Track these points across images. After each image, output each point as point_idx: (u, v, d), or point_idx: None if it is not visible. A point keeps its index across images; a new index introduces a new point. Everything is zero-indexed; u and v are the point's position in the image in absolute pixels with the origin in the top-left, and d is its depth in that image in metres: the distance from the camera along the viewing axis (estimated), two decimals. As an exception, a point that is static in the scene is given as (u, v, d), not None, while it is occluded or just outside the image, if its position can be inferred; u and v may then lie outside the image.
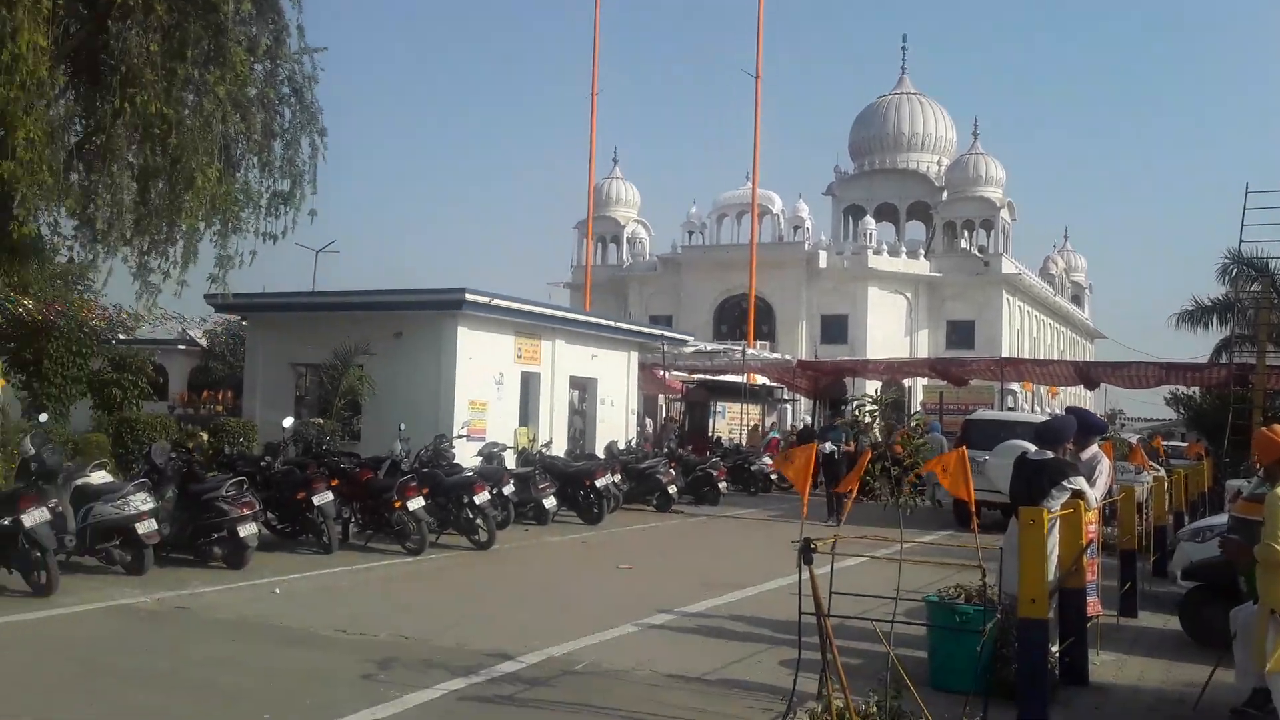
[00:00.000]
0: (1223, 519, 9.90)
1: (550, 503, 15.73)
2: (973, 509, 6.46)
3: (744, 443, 28.50)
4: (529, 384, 21.28)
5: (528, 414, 21.11)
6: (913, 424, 27.07)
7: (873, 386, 37.24)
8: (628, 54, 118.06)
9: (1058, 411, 18.86)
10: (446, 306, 19.07)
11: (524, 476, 15.78)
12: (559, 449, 19.27)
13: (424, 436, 15.50)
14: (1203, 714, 6.70)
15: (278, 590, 10.10)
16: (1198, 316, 35.11)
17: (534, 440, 18.83)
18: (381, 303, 20.24)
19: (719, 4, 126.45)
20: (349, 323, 19.96)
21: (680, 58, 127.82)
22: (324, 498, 12.18)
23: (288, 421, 14.77)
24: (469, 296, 18.78)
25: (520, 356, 20.95)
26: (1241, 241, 28.55)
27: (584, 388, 23.49)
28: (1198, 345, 42.65)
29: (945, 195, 62.09)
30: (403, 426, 15.09)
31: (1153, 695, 7.34)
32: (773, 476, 23.23)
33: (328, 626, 8.49)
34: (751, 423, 31.64)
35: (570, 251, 64.03)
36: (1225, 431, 26.23)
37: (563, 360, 21.96)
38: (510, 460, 16.70)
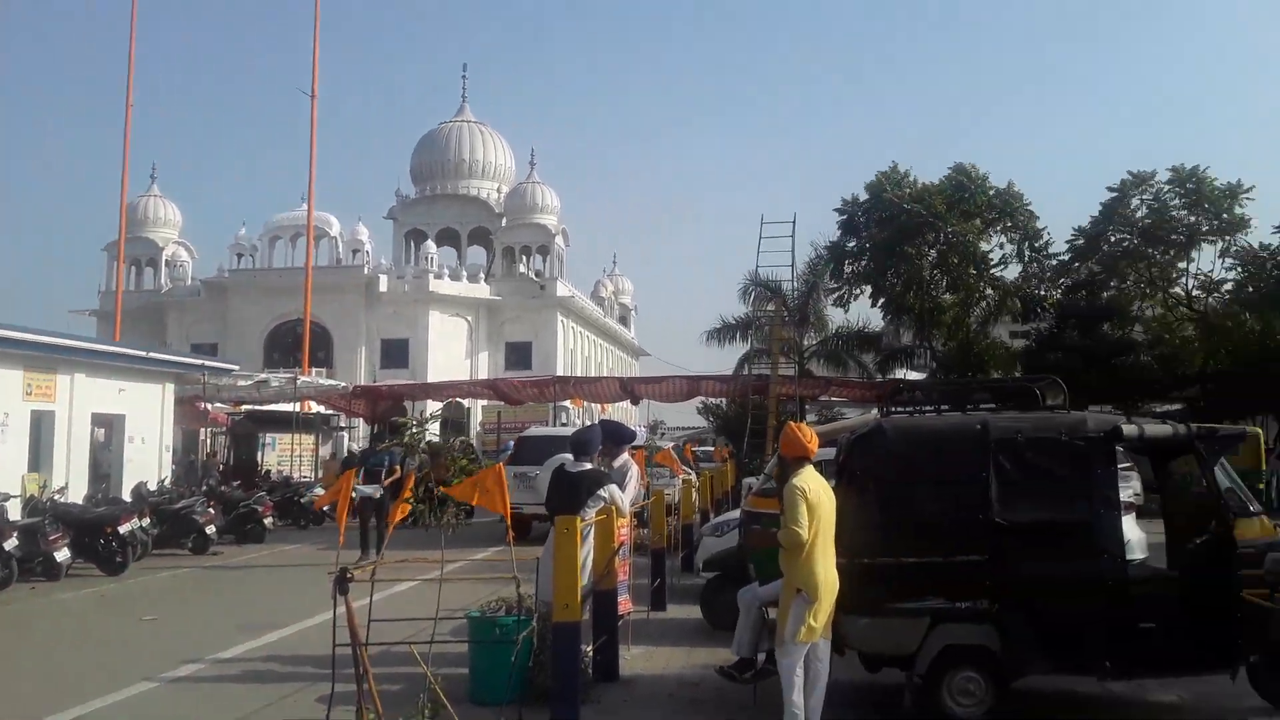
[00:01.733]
0: (737, 514, 10.92)
1: (63, 555, 14.03)
2: (509, 522, 6.60)
3: (319, 475, 27.26)
4: (41, 423, 18.78)
5: (39, 457, 18.61)
6: (461, 445, 27.39)
7: (433, 409, 37.25)
8: (169, 65, 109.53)
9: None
10: (-74, 338, 16.32)
11: (31, 528, 13.94)
12: (77, 494, 17.18)
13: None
14: (726, 692, 7.26)
15: None
16: (725, 333, 38.96)
17: (45, 486, 16.64)
18: None
19: (275, 21, 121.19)
20: None
21: (231, 73, 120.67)
22: None
23: None
24: (-45, 325, 16.20)
25: (30, 393, 18.43)
26: (758, 266, 32.27)
27: (110, 425, 21.19)
28: (725, 359, 47.49)
29: (504, 221, 63.90)
30: None
31: (674, 681, 7.88)
32: (325, 510, 22.37)
33: None
34: (305, 452, 30.32)
35: (99, 276, 57.93)
36: (745, 435, 29.34)
37: (83, 396, 19.63)
38: (15, 511, 14.65)
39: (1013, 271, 35.93)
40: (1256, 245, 33.48)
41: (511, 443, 25.61)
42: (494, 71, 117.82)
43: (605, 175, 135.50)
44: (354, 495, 14.93)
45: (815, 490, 6.19)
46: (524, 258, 64.26)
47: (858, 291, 35.93)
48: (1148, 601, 6.60)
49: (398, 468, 16.13)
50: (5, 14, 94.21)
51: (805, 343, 35.93)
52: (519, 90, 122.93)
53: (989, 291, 35.02)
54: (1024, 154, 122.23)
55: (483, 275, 62.29)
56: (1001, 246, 35.65)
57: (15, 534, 13.48)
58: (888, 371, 35.77)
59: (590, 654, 7.50)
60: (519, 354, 60.10)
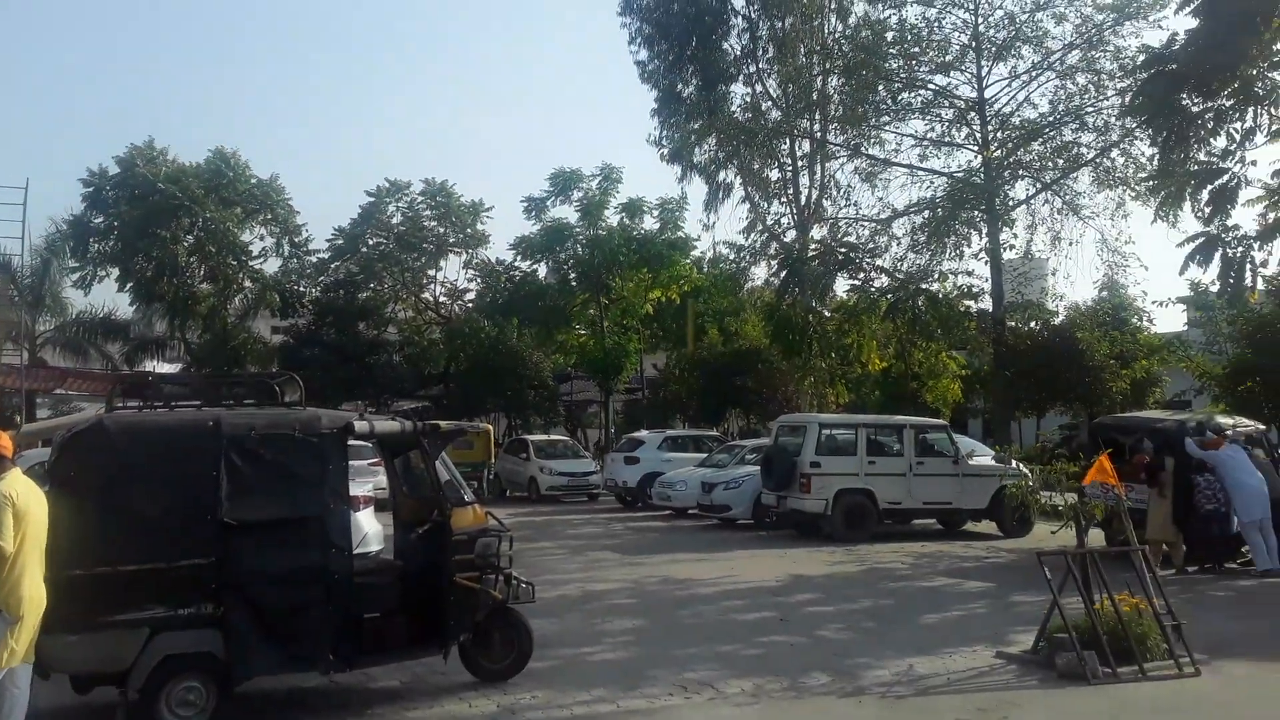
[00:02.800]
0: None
1: None
2: None
3: None
4: None
5: None
6: None
7: None
8: None
9: None
10: None
11: None
12: None
13: None
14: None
15: None
16: None
17: None
18: None
19: None
20: None
21: None
22: None
23: None
24: None
25: None
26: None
27: None
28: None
29: None
30: None
31: None
32: None
33: None
34: None
35: None
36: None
37: None
38: None
39: (273, 265, 36.05)
40: (493, 259, 37.99)
41: None
42: None
43: None
44: None
45: (24, 495, 5.53)
46: None
47: (103, 273, 33.09)
48: (372, 591, 7.05)
49: None
50: None
51: (39, 328, 32.12)
52: None
53: (249, 284, 34.69)
54: (286, 147, 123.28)
55: None
56: (262, 239, 35.58)
57: None
58: (136, 363, 33.53)
59: None
60: None
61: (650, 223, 34.87)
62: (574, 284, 34.95)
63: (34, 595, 5.53)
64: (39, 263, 31.52)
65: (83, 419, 7.70)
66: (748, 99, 31.68)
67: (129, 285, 32.97)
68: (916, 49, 23.91)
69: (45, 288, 32.11)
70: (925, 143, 24.84)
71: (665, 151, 34.03)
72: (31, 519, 5.54)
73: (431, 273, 39.10)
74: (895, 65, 24.26)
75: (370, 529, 11.08)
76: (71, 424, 7.56)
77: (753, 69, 32.11)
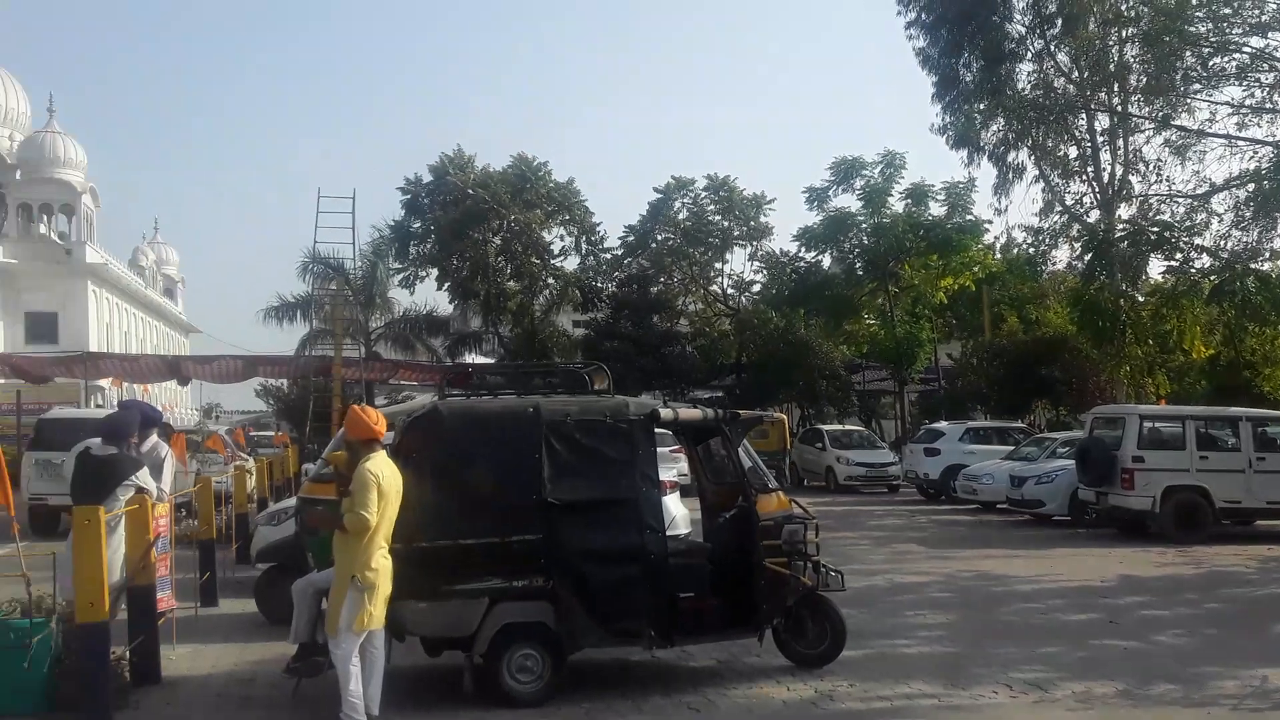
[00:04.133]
0: (294, 502, 10.45)
1: None
2: (11, 512, 5.83)
3: None
4: None
5: None
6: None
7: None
8: None
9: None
10: None
11: None
12: None
13: None
14: (280, 688, 6.92)
15: None
16: (284, 312, 37.16)
17: None
18: None
19: None
20: None
21: None
22: None
23: None
24: None
25: None
26: (316, 242, 31.12)
27: None
28: (286, 339, 45.33)
29: (19, 175, 55.96)
30: None
31: (224, 679, 7.39)
32: None
33: None
34: None
35: None
36: (308, 419, 28.26)
37: None
38: None
39: (572, 263, 37.81)
40: (778, 251, 38.00)
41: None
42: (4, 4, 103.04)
43: (142, 134, 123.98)
44: None
45: (387, 477, 6.11)
46: (44, 217, 56.74)
47: (424, 274, 35.96)
48: (686, 572, 7.21)
49: None
50: None
51: (372, 324, 35.37)
52: (36, 28, 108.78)
53: (551, 281, 36.54)
54: (581, 148, 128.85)
55: (-7, 236, 54.25)
56: (562, 238, 37.38)
57: None
58: (457, 355, 36.16)
59: (126, 656, 6.84)
60: (43, 326, 52.99)
61: (936, 208, 33.64)
62: (860, 273, 34.35)
63: (385, 565, 6.09)
64: (367, 266, 34.66)
65: (420, 405, 8.34)
66: (1035, 76, 29.80)
67: (446, 284, 35.70)
68: (1228, 9, 21.68)
69: (374, 288, 35.26)
70: (1244, 110, 22.50)
71: (950, 136, 32.59)
72: (391, 498, 6.12)
73: (718, 265, 39.69)
74: (1203, 29, 22.10)
75: (678, 512, 11.35)
76: (409, 409, 8.26)
77: (1039, 44, 30.18)
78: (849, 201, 33.86)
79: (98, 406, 31.23)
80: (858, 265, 34.37)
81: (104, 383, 35.31)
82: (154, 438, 8.56)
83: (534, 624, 6.62)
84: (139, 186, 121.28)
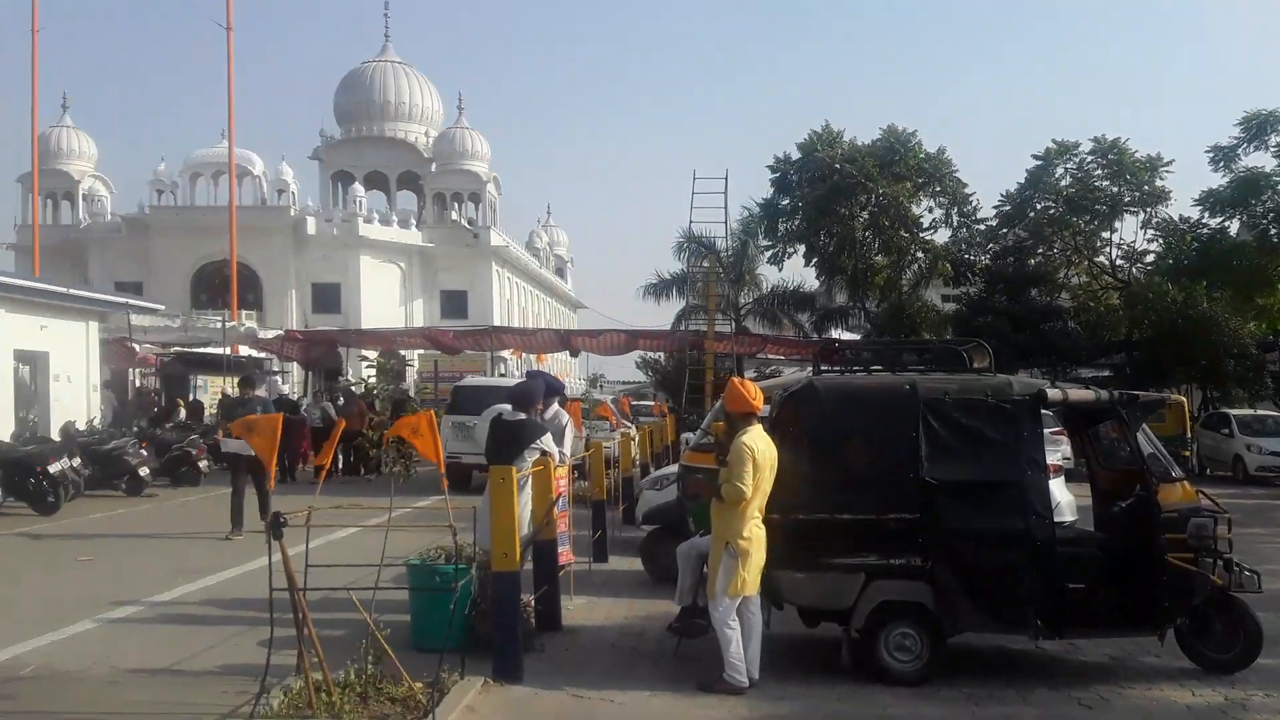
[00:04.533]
0: (675, 469, 11.05)
1: (-7, 492, 13.67)
2: (442, 470, 6.62)
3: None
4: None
5: (-40, 394, 18.14)
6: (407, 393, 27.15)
7: (368, 357, 36.87)
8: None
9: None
10: None
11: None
12: (4, 432, 16.76)
13: None
14: (666, 644, 7.40)
15: None
16: (660, 289, 39.04)
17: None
18: None
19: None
20: None
21: (142, 2, 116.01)
22: None
23: None
24: None
25: (-51, 328, 17.90)
26: (691, 223, 32.32)
27: (34, 362, 20.62)
28: (662, 314, 47.64)
29: (434, 167, 62.80)
30: None
31: (616, 632, 8.01)
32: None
33: None
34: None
35: (14, 208, 55.84)
36: (684, 390, 29.55)
37: (5, 332, 19.08)
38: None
39: (943, 236, 36.47)
40: (1176, 218, 34.49)
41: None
42: (416, 10, 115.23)
43: (536, 124, 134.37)
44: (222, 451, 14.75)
45: (763, 450, 6.33)
46: (455, 205, 63.28)
47: (791, 250, 36.18)
48: (1076, 562, 6.85)
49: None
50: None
51: (741, 300, 36.19)
52: (442, 31, 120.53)
53: (920, 254, 35.46)
54: (951, 117, 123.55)
55: (414, 221, 61.27)
56: (931, 210, 36.10)
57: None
58: (823, 331, 36.22)
59: (532, 604, 7.59)
60: (455, 303, 59.48)
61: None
62: (1276, 240, 30.41)
63: (758, 534, 6.32)
64: (738, 244, 35.52)
65: (796, 380, 8.51)
66: None
67: (814, 260, 35.76)
68: None
69: (744, 265, 36.12)
70: None
71: None
72: (765, 471, 6.33)
73: (1105, 235, 36.65)
74: None
75: (1063, 498, 10.76)
76: (786, 384, 8.45)
77: None
78: (1263, 160, 30.12)
79: (501, 376, 34.54)
80: (1272, 231, 30.52)
81: (505, 353, 38.96)
82: (555, 406, 9.37)
83: (911, 603, 6.58)
84: (533, 174, 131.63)
